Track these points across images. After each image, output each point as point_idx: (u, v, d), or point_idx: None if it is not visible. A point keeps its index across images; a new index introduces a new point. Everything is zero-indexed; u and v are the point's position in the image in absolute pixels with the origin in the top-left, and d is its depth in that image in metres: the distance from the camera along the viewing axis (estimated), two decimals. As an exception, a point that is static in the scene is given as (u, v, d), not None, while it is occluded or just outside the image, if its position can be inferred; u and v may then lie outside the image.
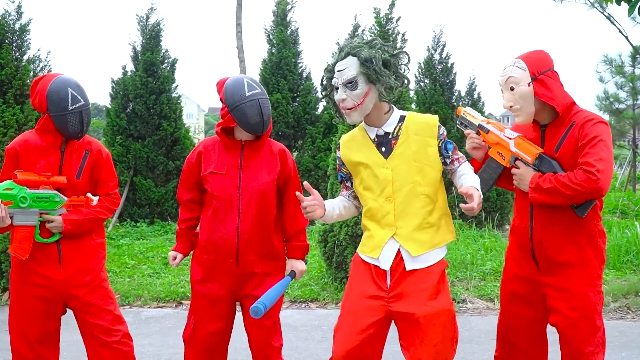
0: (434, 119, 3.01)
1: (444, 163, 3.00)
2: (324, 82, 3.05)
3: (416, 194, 2.91)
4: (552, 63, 2.98)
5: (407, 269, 2.86)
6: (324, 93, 3.08)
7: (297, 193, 2.99)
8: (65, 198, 3.35)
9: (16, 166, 3.33)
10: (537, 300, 3.05)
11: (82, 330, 3.47)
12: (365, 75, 2.86)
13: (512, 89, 2.92)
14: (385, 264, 2.89)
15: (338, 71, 2.91)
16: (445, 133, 3.01)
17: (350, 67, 2.88)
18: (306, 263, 3.53)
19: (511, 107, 2.94)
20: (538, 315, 3.08)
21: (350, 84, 2.87)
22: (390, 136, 2.97)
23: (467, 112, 3.18)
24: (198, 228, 3.52)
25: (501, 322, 3.21)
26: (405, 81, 3.00)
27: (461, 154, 3.07)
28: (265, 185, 3.33)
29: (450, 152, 3.01)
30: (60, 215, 3.32)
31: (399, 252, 2.88)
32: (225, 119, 3.30)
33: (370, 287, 2.89)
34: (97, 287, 3.46)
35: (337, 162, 3.18)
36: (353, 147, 3.05)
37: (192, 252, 3.51)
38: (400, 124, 2.98)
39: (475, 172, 3.08)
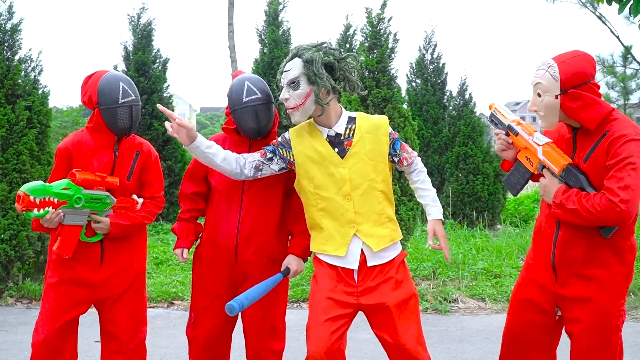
0: (384, 119, 3.12)
1: (392, 161, 3.09)
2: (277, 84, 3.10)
3: (372, 191, 3.01)
4: (592, 72, 2.76)
5: (369, 264, 2.97)
6: (278, 94, 3.09)
7: (159, 105, 3.10)
8: (115, 199, 3.33)
9: (69, 166, 3.32)
10: (549, 310, 2.94)
11: (102, 330, 3.49)
12: (307, 76, 2.95)
13: (539, 95, 2.75)
14: (354, 264, 2.97)
15: (284, 71, 3.01)
16: (394, 133, 3.10)
17: (294, 68, 2.98)
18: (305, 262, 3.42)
19: (536, 111, 2.80)
20: (548, 324, 2.96)
21: (293, 84, 2.97)
22: (342, 137, 3.03)
23: (498, 110, 3.03)
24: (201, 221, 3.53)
25: (508, 327, 3.08)
26: (355, 86, 3.08)
27: (411, 152, 3.14)
28: (270, 184, 3.31)
29: (398, 150, 3.09)
30: (107, 216, 3.31)
31: (362, 251, 2.98)
32: (228, 119, 3.38)
33: (339, 283, 2.98)
34: (133, 291, 3.46)
35: (280, 140, 3.16)
36: (305, 143, 3.07)
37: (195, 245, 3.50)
38: (350, 125, 3.05)
39: (506, 171, 3.06)
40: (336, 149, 3.01)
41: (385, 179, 3.05)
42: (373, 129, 3.05)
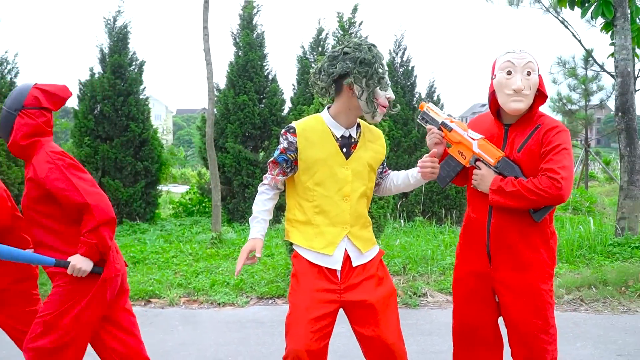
0: (380, 132, 3.14)
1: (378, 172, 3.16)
2: (366, 71, 2.85)
3: (364, 196, 3.01)
4: None
5: (354, 265, 2.95)
6: (367, 81, 2.85)
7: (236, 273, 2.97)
8: None
9: None
10: (488, 295, 3.04)
11: None
12: None
13: (529, 73, 2.88)
14: (337, 264, 2.93)
15: (386, 70, 2.94)
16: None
17: None
18: (95, 267, 3.15)
19: (521, 90, 2.86)
20: (490, 310, 3.06)
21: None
22: (352, 139, 2.98)
23: (430, 109, 3.11)
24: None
25: (456, 321, 3.17)
26: None
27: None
28: (25, 195, 3.21)
29: (384, 165, 3.19)
30: None
31: (345, 251, 2.95)
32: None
33: (322, 281, 2.91)
34: (12, 293, 3.43)
35: (286, 145, 2.95)
36: (313, 139, 2.96)
37: None
38: (358, 130, 3.03)
39: None
40: (344, 149, 2.97)
41: (372, 187, 3.07)
42: (374, 138, 3.06)
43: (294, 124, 3.00)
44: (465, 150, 2.97)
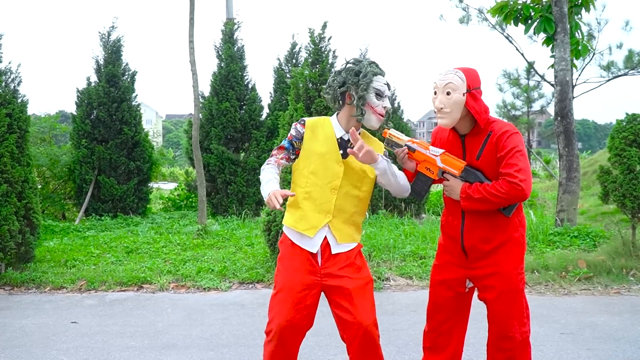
0: (380, 144, 3.07)
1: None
2: (367, 85, 2.87)
3: (352, 196, 2.96)
4: (480, 81, 2.94)
5: (333, 252, 2.93)
6: (357, 88, 2.87)
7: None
8: None
9: None
10: (460, 284, 3.07)
11: None
12: None
13: (448, 93, 2.82)
14: (314, 248, 2.92)
15: (385, 84, 2.93)
16: (387, 153, 3.06)
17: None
18: None
19: (441, 109, 2.85)
20: (460, 295, 3.10)
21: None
22: (349, 144, 2.95)
23: (392, 135, 3.06)
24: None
25: (431, 302, 3.18)
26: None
27: None
28: None
29: None
30: None
31: (325, 238, 2.93)
32: None
33: (305, 265, 2.91)
34: None
35: (294, 133, 3.00)
36: (317, 135, 2.98)
37: None
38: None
39: (410, 181, 3.09)
40: (341, 150, 2.95)
41: (367, 190, 3.02)
42: (372, 148, 2.96)
43: (305, 118, 3.03)
44: (431, 166, 2.97)
